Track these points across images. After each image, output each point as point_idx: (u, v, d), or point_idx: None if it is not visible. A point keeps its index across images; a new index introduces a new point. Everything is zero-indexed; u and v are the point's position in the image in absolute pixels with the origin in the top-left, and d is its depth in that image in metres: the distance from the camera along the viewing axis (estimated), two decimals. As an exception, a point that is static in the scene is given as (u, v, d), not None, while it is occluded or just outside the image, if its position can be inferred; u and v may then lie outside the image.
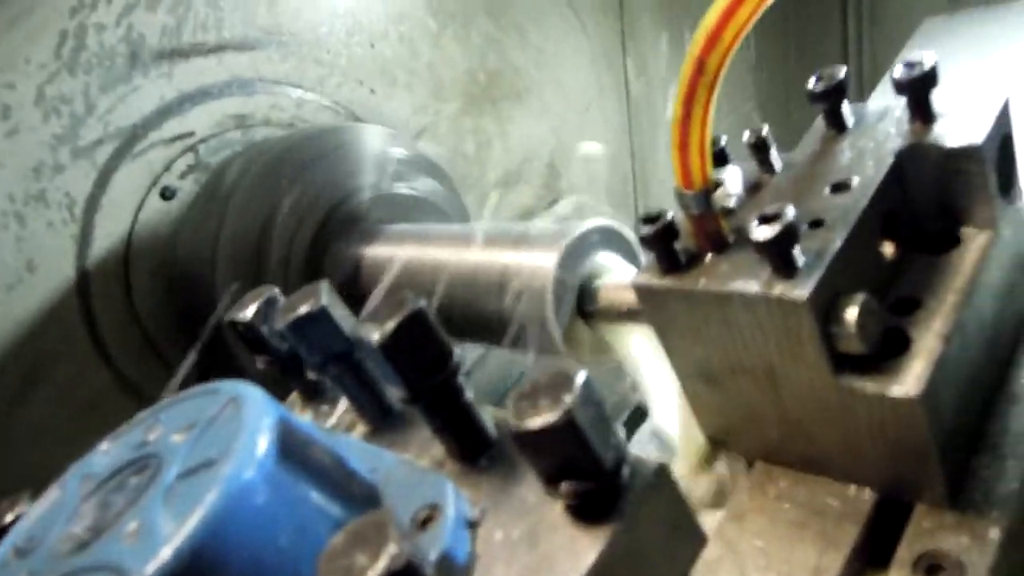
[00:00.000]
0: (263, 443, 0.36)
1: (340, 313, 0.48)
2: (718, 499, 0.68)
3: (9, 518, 0.47)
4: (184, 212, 1.13)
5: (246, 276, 0.98)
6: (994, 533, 0.53)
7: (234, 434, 0.36)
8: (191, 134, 1.15)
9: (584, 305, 0.73)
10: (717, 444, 0.70)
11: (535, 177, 1.65)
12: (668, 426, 0.69)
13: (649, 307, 0.62)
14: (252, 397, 0.39)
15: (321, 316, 0.46)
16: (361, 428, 0.51)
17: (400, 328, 0.39)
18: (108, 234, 1.08)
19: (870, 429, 0.55)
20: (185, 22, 1.15)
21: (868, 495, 0.59)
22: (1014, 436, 0.58)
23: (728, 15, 0.48)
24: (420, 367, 0.40)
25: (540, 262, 0.74)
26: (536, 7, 1.65)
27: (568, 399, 0.33)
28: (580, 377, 0.34)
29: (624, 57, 1.81)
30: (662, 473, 0.36)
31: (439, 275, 0.83)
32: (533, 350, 0.76)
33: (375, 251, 0.97)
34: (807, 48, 2.38)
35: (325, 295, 0.47)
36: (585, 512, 0.36)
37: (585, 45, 1.74)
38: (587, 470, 0.34)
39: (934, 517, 0.56)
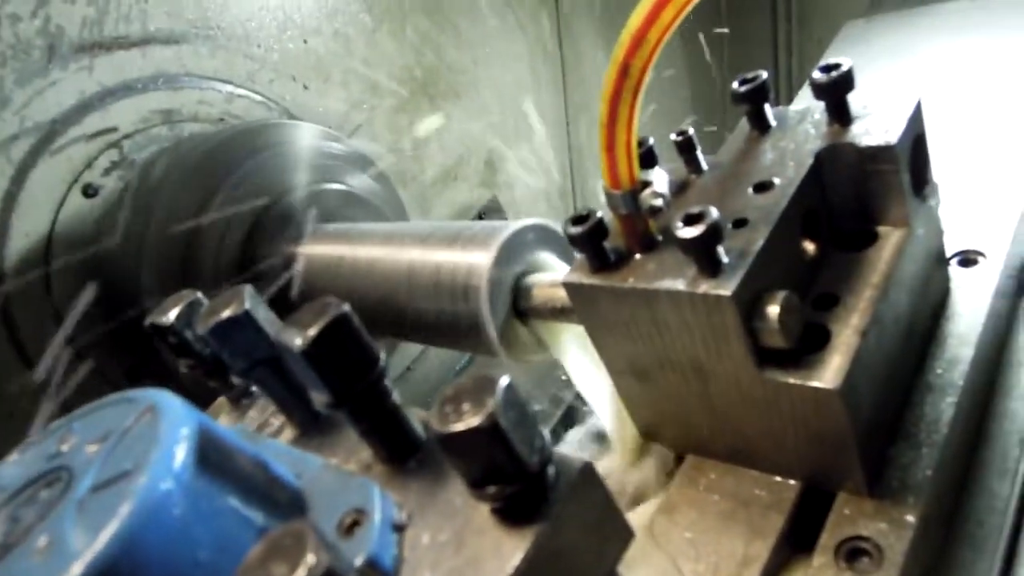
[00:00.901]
0: (180, 453, 0.35)
1: (264, 316, 0.47)
2: (648, 491, 0.69)
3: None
4: (108, 210, 1.09)
5: (174, 278, 0.95)
6: (910, 518, 0.55)
7: (150, 444, 0.35)
8: (114, 130, 1.11)
9: (519, 303, 0.73)
10: (649, 437, 0.71)
11: (473, 174, 1.65)
12: (603, 421, 0.70)
13: (579, 305, 0.63)
14: (170, 406, 0.38)
15: (244, 320, 0.45)
16: (289, 432, 0.51)
17: (322, 334, 0.38)
18: (26, 233, 1.03)
19: (793, 420, 0.56)
20: (107, 14, 1.10)
21: (793, 485, 0.61)
22: (928, 424, 0.60)
23: (652, 19, 0.49)
24: (344, 373, 0.39)
25: (475, 260, 0.73)
26: (472, 4, 1.64)
27: (491, 403, 0.33)
28: (503, 382, 0.34)
29: (561, 52, 1.82)
30: (587, 472, 0.37)
31: (373, 274, 0.83)
32: (468, 349, 0.76)
33: (310, 250, 0.96)
34: (738, 52, 2.43)
35: (248, 299, 0.46)
36: (511, 514, 0.36)
37: (521, 41, 1.74)
38: (511, 472, 0.34)
39: (854, 505, 0.58)
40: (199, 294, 0.54)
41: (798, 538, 0.60)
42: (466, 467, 0.34)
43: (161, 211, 0.95)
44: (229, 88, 1.24)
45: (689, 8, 0.48)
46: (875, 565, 0.54)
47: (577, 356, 0.70)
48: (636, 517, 0.66)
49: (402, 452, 0.42)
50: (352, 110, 1.42)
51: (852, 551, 0.55)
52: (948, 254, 0.73)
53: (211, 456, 0.36)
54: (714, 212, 0.52)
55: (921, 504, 0.56)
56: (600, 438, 0.73)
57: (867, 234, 0.62)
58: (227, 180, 0.96)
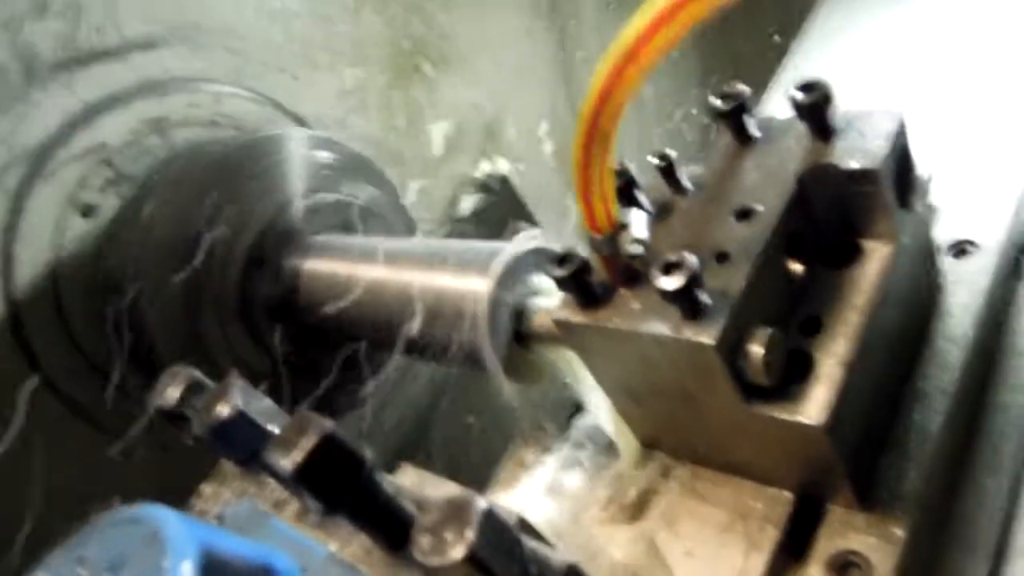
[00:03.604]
0: (184, 589, 0.37)
1: (257, 409, 0.48)
2: (647, 497, 0.71)
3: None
4: (108, 228, 1.10)
5: (176, 299, 0.97)
6: (899, 531, 0.57)
7: (156, 581, 0.37)
8: (104, 145, 1.11)
9: (520, 327, 0.74)
10: (648, 446, 0.73)
11: (471, 145, 1.62)
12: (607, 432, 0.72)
13: (570, 338, 0.64)
14: (171, 533, 0.40)
15: (238, 420, 0.47)
16: (295, 505, 0.53)
17: (309, 457, 0.40)
18: (32, 261, 1.04)
19: (782, 446, 0.58)
20: (78, 27, 1.08)
21: (787, 496, 0.63)
22: (917, 433, 0.62)
23: (616, 77, 0.48)
24: (333, 486, 0.41)
25: (475, 286, 0.74)
26: (458, -38, 1.58)
27: (469, 534, 0.35)
28: (479, 508, 0.36)
29: (559, 9, 1.76)
30: (571, 573, 0.39)
31: (374, 295, 0.84)
32: (471, 370, 0.77)
33: (311, 265, 0.96)
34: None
35: (239, 396, 0.48)
36: (502, 617, 0.38)
37: (516, 3, 1.68)
38: (496, 591, 0.36)
39: (845, 517, 0.60)
40: (196, 372, 0.55)
41: (796, 547, 0.62)
42: (452, 590, 0.36)
43: (158, 235, 0.96)
44: (216, 87, 1.23)
45: (652, 68, 0.47)
46: (865, 579, 0.56)
47: (584, 378, 0.71)
48: (640, 528, 0.69)
49: (398, 540, 0.44)
50: (343, 94, 1.40)
51: (844, 564, 0.58)
52: (942, 245, 0.73)
53: (215, 579, 0.39)
54: (692, 261, 0.52)
55: (910, 517, 0.57)
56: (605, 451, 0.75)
57: (853, 247, 0.62)
58: (224, 201, 0.97)
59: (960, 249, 0.72)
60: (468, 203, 1.60)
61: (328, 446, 0.40)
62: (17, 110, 1.04)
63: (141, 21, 1.14)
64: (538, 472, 0.77)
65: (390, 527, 0.44)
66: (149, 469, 1.12)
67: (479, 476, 0.86)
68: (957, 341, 0.65)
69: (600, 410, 0.73)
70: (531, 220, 1.66)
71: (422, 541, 0.36)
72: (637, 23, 0.45)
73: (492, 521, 0.36)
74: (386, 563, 0.45)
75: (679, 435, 0.68)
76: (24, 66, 1.04)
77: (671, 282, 0.52)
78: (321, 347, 1.03)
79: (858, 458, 0.58)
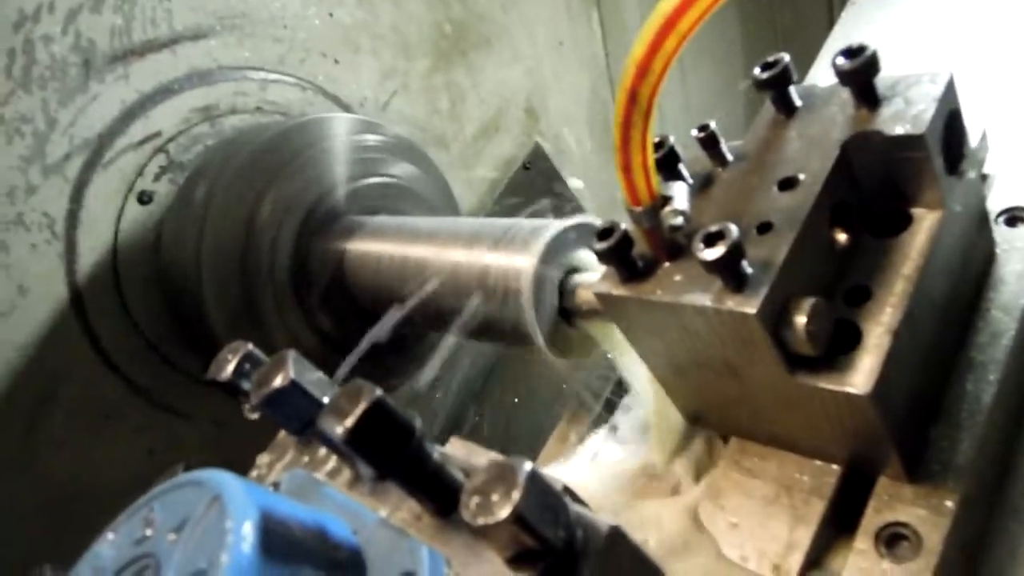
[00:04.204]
0: (247, 549, 0.39)
1: (310, 380, 0.50)
2: (693, 470, 0.71)
3: (36, 594, 0.51)
4: (164, 215, 1.14)
5: (232, 281, 1.00)
6: (949, 503, 0.56)
7: (219, 543, 0.39)
8: (158, 134, 1.15)
9: (564, 303, 0.75)
10: (693, 422, 0.73)
11: (514, 124, 1.63)
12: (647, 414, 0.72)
13: (612, 311, 0.64)
14: (232, 496, 0.42)
15: (291, 389, 0.49)
16: (346, 474, 0.55)
17: (360, 422, 0.41)
18: (93, 248, 1.09)
19: (828, 418, 0.58)
20: (133, 19, 1.12)
21: (834, 469, 0.63)
22: (970, 404, 0.60)
23: (655, 47, 0.48)
24: (384, 451, 0.42)
25: (519, 264, 0.75)
26: (496, -54, 1.58)
27: (515, 495, 0.36)
28: (525, 470, 0.37)
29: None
30: (614, 535, 0.40)
31: (419, 274, 0.85)
32: (517, 346, 0.78)
33: (357, 246, 0.99)
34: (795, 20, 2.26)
35: (292, 367, 0.49)
36: (547, 576, 0.39)
37: (551, -25, 1.68)
38: (540, 551, 0.37)
39: (894, 489, 0.59)
40: (250, 346, 0.57)
41: (842, 520, 0.62)
42: (498, 549, 0.37)
43: (213, 220, 0.99)
44: (262, 75, 1.26)
45: (691, 35, 0.47)
46: (914, 551, 0.56)
47: (627, 352, 0.72)
48: (683, 500, 0.69)
49: (447, 506, 0.46)
50: (385, 78, 1.42)
51: (892, 536, 0.57)
52: (994, 212, 0.71)
53: (274, 542, 0.41)
54: (734, 231, 0.52)
55: (961, 488, 0.57)
56: (647, 428, 0.75)
57: (902, 215, 0.61)
58: (273, 185, 0.99)
59: (1014, 216, 0.70)
60: (510, 181, 1.61)
61: (378, 412, 0.42)
62: (77, 102, 1.08)
63: (191, 12, 1.18)
64: (582, 448, 0.78)
65: (439, 493, 0.46)
66: (205, 445, 1.17)
67: (526, 454, 0.87)
68: (1010, 310, 0.64)
69: (643, 385, 0.74)
70: (572, 198, 1.66)
71: (470, 502, 0.37)
72: (675, -9, 0.45)
73: (537, 483, 0.37)
74: (435, 527, 0.46)
75: (724, 409, 0.68)
76: (83, 59, 1.08)
77: (713, 252, 0.52)
78: (370, 326, 1.05)
79: (906, 429, 0.57)
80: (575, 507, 0.40)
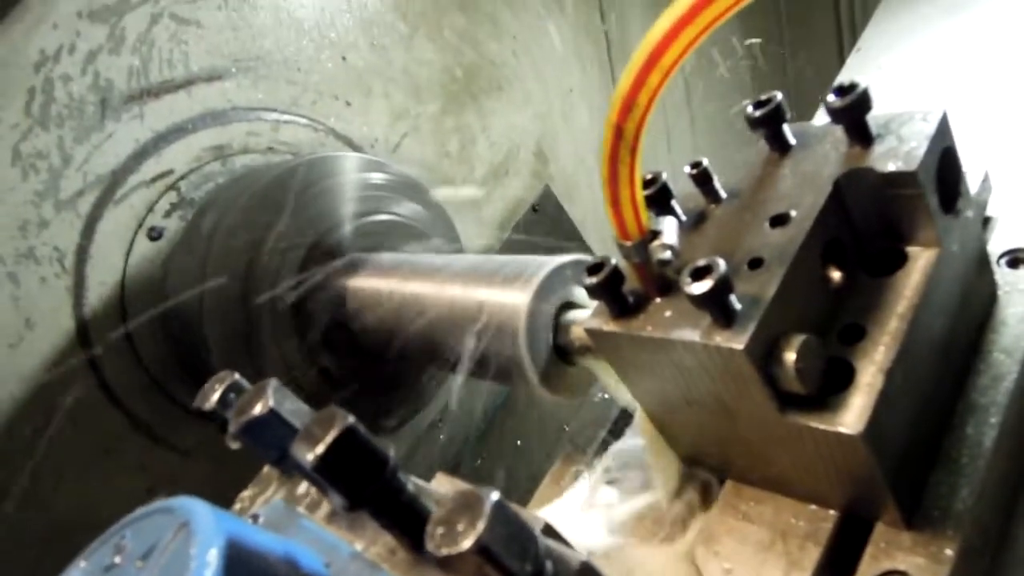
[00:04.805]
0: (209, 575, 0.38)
1: (289, 409, 0.50)
2: (687, 514, 0.69)
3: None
4: (173, 251, 1.15)
5: (232, 316, 1.00)
6: (949, 551, 0.54)
7: (182, 570, 0.38)
8: (170, 172, 1.17)
9: (559, 340, 0.74)
10: (689, 462, 0.71)
11: (523, 167, 1.64)
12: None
13: (603, 348, 0.63)
14: (200, 523, 0.41)
15: (270, 419, 0.48)
16: (325, 507, 0.54)
17: (330, 449, 0.40)
18: (101, 282, 1.11)
19: (821, 459, 0.56)
20: (150, 61, 1.15)
21: (831, 514, 0.61)
22: (971, 448, 0.59)
23: (640, 83, 0.48)
24: (355, 480, 0.42)
25: (513, 299, 0.75)
26: (507, -7, 1.62)
27: (479, 525, 0.35)
28: (490, 500, 0.36)
29: (605, 30, 1.78)
30: (585, 570, 0.38)
31: (417, 311, 0.85)
32: (512, 384, 0.78)
33: (358, 283, 0.99)
34: (801, 36, 2.30)
35: (272, 396, 0.49)
36: (517, 612, 0.38)
37: (563, 24, 1.71)
38: (507, 584, 0.36)
39: (892, 536, 0.57)
40: (236, 376, 0.57)
41: (839, 567, 0.60)
42: (464, 581, 0.36)
43: (216, 255, 1.00)
44: (274, 116, 1.28)
45: (674, 73, 0.47)
46: (913, 601, 0.53)
47: (624, 391, 0.71)
48: (678, 545, 0.67)
49: (420, 540, 0.44)
50: (396, 120, 1.44)
51: (890, 585, 0.55)
52: (996, 253, 0.70)
53: (240, 570, 0.40)
54: (721, 265, 0.51)
55: (961, 536, 0.55)
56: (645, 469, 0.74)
57: (897, 253, 0.60)
58: (275, 223, 1.00)
59: (1016, 258, 0.69)
60: (520, 224, 1.62)
61: (349, 440, 0.41)
62: (92, 139, 1.11)
63: (207, 55, 1.21)
64: (576, 490, 0.76)
65: (412, 526, 0.45)
66: (203, 481, 1.16)
67: (527, 498, 0.85)
68: (1012, 352, 0.62)
69: (640, 424, 0.72)
70: (581, 238, 1.67)
71: (435, 532, 0.36)
72: (658, 28, 0.46)
73: (503, 514, 0.36)
74: (409, 563, 0.45)
75: (718, 450, 0.66)
76: (101, 98, 1.10)
77: (700, 287, 0.51)
78: (371, 364, 1.05)
79: (903, 473, 0.56)
80: (546, 541, 0.39)
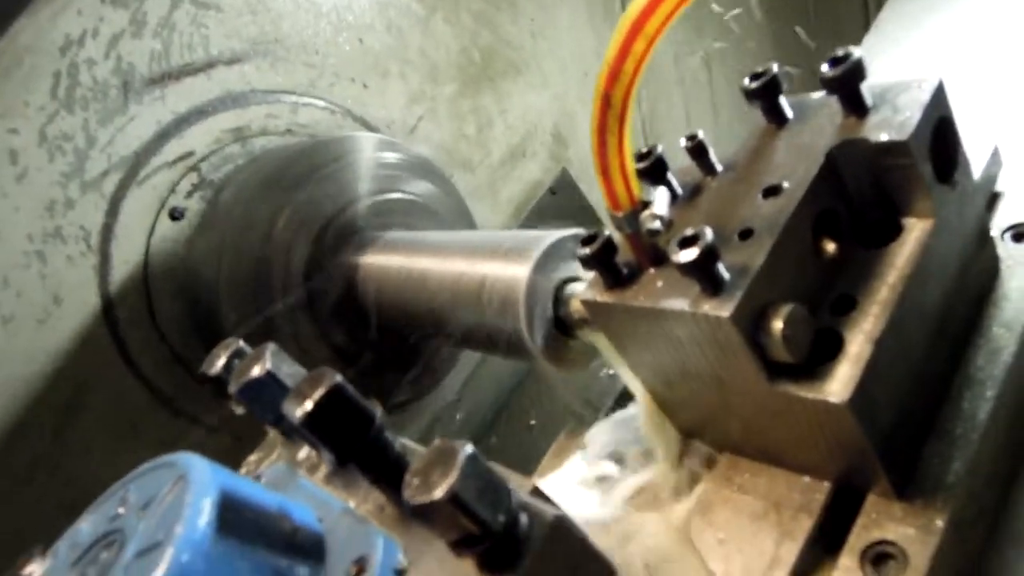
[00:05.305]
0: (201, 524, 0.40)
1: (287, 372, 0.52)
2: (684, 485, 0.70)
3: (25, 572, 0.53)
4: (194, 230, 1.18)
5: (247, 292, 1.03)
6: (939, 523, 0.54)
7: (177, 517, 0.41)
8: (191, 153, 1.20)
9: (559, 312, 0.75)
10: (688, 435, 0.72)
11: (541, 149, 1.65)
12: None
13: (599, 319, 0.64)
14: (196, 475, 0.43)
15: (267, 380, 0.50)
16: (324, 469, 0.56)
17: (318, 405, 0.42)
18: (125, 260, 1.14)
19: (811, 429, 0.56)
20: (171, 44, 1.18)
21: (824, 486, 0.61)
22: (965, 420, 0.59)
23: (625, 51, 0.49)
24: (343, 436, 0.43)
25: (513, 272, 0.76)
26: (526, -27, 1.62)
27: (452, 475, 0.36)
28: (464, 453, 0.37)
29: (622, 11, 1.77)
30: (559, 523, 0.40)
31: (424, 285, 0.87)
32: (516, 358, 0.79)
33: (368, 260, 1.01)
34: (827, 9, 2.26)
35: (270, 359, 0.51)
36: (491, 563, 0.39)
37: (580, 6, 1.71)
38: (479, 534, 0.37)
39: (884, 507, 0.57)
40: (241, 342, 0.59)
41: (831, 538, 0.60)
42: (438, 532, 0.38)
43: (233, 231, 1.03)
44: (293, 98, 1.31)
45: (659, 39, 0.48)
46: (900, 571, 0.54)
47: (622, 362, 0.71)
48: (673, 515, 0.68)
49: (407, 496, 0.46)
50: (413, 102, 1.46)
51: (879, 555, 0.55)
52: (1001, 227, 0.69)
53: (232, 520, 0.42)
54: (708, 234, 0.52)
55: (951, 508, 0.55)
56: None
57: (893, 225, 0.60)
58: (291, 199, 1.02)
59: (1020, 232, 0.68)
60: (536, 205, 1.63)
61: (337, 398, 0.43)
62: (116, 122, 1.14)
63: (226, 38, 1.23)
64: (577, 461, 0.77)
65: (399, 483, 0.46)
66: (225, 455, 1.19)
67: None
68: (1012, 326, 0.62)
69: (639, 398, 0.73)
70: (599, 221, 1.67)
71: (411, 483, 0.37)
72: (641, -4, 0.46)
73: (476, 466, 0.37)
74: (395, 517, 0.47)
75: (716, 422, 0.67)
76: (123, 81, 1.13)
77: (687, 255, 0.52)
78: (383, 339, 1.07)
79: (894, 443, 0.56)
80: (522, 495, 0.40)
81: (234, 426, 1.21)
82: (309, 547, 0.46)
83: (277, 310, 1.01)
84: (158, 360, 1.16)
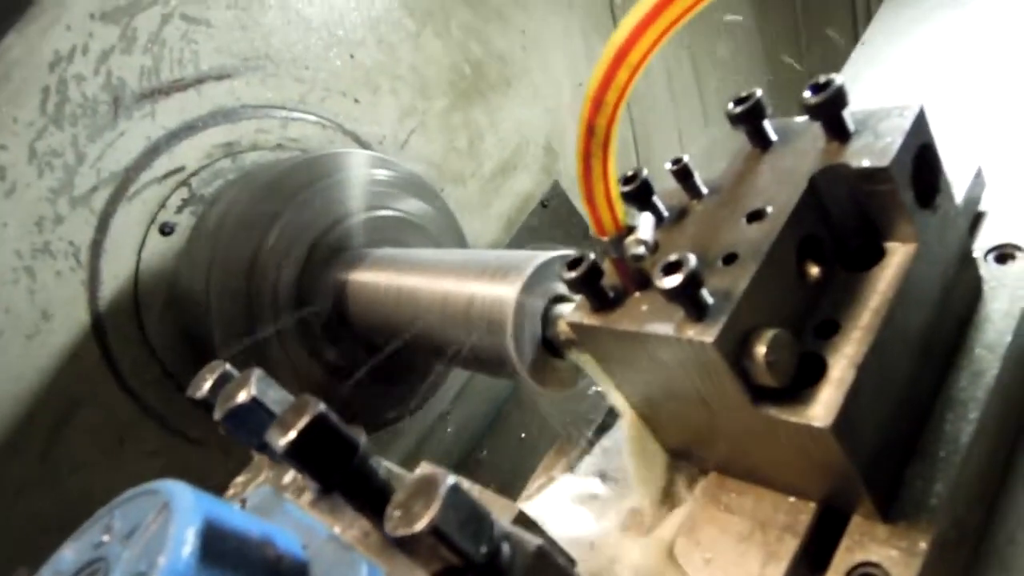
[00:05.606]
0: (185, 554, 0.40)
1: (272, 398, 0.52)
2: (670, 505, 0.70)
3: (9, 599, 0.53)
4: (184, 245, 1.18)
5: (237, 309, 1.03)
6: (922, 544, 0.55)
7: (160, 547, 0.41)
8: (181, 169, 1.20)
9: (547, 333, 0.76)
10: (676, 454, 0.72)
11: (532, 162, 1.66)
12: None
13: (586, 342, 0.65)
14: (180, 504, 0.43)
15: (252, 406, 0.51)
16: (309, 494, 0.56)
17: (301, 435, 0.42)
18: (115, 276, 1.14)
19: (795, 451, 0.57)
20: (162, 60, 1.18)
21: (810, 506, 0.62)
22: (948, 443, 0.59)
23: (608, 81, 0.49)
24: (326, 465, 0.43)
25: (501, 292, 0.76)
26: (515, -12, 1.63)
27: (433, 507, 0.36)
28: (446, 484, 0.37)
29: (614, 24, 1.79)
30: (542, 553, 0.40)
31: (412, 303, 0.87)
32: (503, 377, 0.79)
33: (357, 277, 1.01)
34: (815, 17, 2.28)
35: (255, 385, 0.51)
36: (474, 593, 0.39)
37: (571, 18, 1.72)
38: (461, 565, 0.37)
39: (868, 528, 0.58)
40: (227, 366, 0.59)
41: (817, 559, 0.61)
42: (420, 563, 0.38)
43: (222, 249, 1.03)
44: (283, 113, 1.31)
45: (641, 71, 0.48)
46: (884, 593, 0.54)
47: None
48: (660, 533, 0.68)
49: (392, 524, 0.46)
50: (404, 116, 1.46)
51: (863, 576, 0.56)
52: (983, 248, 0.70)
53: (216, 548, 0.42)
54: (692, 260, 0.52)
55: (935, 529, 0.55)
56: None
57: (876, 249, 0.60)
58: (282, 215, 1.03)
59: (1003, 253, 0.69)
60: (528, 218, 1.63)
61: (319, 427, 0.43)
62: (105, 137, 1.14)
63: (216, 54, 1.24)
64: (564, 481, 0.78)
65: (382, 512, 0.46)
66: (214, 471, 1.19)
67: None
68: (994, 348, 0.62)
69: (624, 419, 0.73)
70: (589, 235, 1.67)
71: (393, 515, 0.38)
72: (623, 27, 0.47)
73: (457, 497, 0.38)
74: (380, 544, 0.47)
75: (700, 442, 0.67)
76: (113, 97, 1.14)
77: (671, 280, 0.52)
78: (372, 356, 1.07)
79: (878, 466, 0.56)
80: (505, 525, 0.40)
81: (224, 442, 1.21)
82: (292, 574, 0.46)
83: (268, 332, 1.01)
84: (148, 376, 1.16)
